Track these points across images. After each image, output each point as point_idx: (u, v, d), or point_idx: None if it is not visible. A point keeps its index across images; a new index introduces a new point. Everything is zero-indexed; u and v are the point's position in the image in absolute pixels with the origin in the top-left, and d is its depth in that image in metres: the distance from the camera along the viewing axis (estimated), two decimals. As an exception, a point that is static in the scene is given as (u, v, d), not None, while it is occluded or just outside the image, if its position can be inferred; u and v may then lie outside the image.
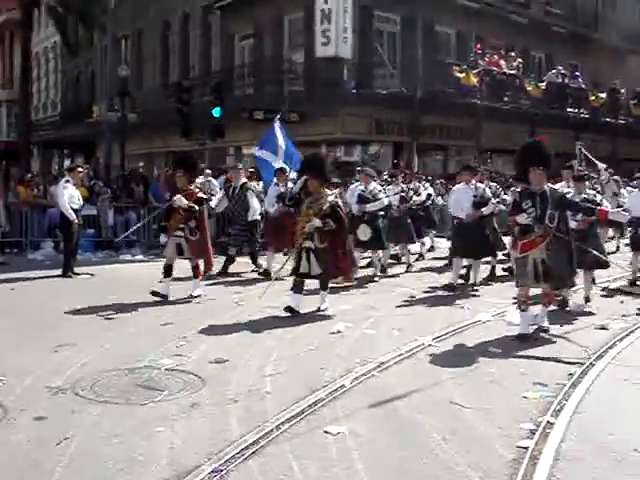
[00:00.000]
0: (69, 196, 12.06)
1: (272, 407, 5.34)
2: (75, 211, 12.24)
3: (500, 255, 12.54)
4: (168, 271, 9.96)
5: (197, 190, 10.31)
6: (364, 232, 11.48)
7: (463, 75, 22.27)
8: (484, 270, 11.87)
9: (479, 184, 11.36)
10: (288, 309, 8.73)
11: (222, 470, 4.18)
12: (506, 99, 24.92)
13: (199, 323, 8.17)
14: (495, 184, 13.04)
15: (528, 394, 5.81)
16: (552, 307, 8.64)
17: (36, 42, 37.50)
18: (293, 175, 12.38)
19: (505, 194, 12.80)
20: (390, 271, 12.78)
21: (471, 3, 26.55)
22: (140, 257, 15.20)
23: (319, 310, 8.99)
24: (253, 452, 4.48)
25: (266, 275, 11.78)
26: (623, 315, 9.20)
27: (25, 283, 11.46)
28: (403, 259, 13.57)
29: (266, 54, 26.27)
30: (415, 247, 14.51)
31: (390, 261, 13.35)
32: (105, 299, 9.66)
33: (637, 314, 9.25)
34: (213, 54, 29.12)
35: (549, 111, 26.28)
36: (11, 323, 8.15)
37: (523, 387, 6.01)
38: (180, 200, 9.82)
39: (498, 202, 12.02)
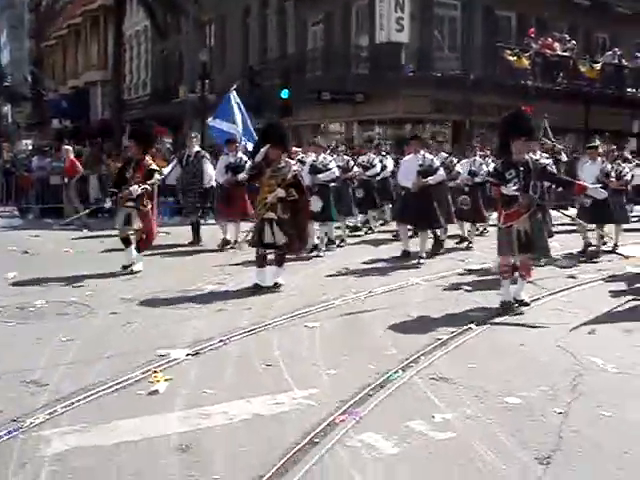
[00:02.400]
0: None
1: (275, 312, 7.58)
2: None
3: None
4: (126, 241, 10.19)
5: (149, 161, 10.16)
6: (315, 204, 11.02)
7: (514, 58, 23.78)
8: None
9: (427, 154, 11.49)
10: (255, 286, 8.74)
11: (226, 340, 6.42)
12: (559, 80, 26.27)
13: (242, 265, 10.39)
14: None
15: (467, 310, 7.84)
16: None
17: (128, 26, 40.16)
18: (249, 146, 13.49)
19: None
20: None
21: (531, -14, 27.92)
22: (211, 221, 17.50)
23: (275, 285, 8.87)
24: (251, 334, 6.73)
25: (226, 244, 12.47)
26: (598, 270, 10.94)
27: (111, 238, 13.95)
28: (339, 232, 13.41)
29: (335, 39, 28.29)
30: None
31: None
32: (173, 249, 12.09)
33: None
34: (288, 38, 31.24)
35: (604, 91, 27.55)
36: (101, 262, 10.61)
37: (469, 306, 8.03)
38: (135, 190, 9.78)
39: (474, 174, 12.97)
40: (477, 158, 13.43)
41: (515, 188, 7.79)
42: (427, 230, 11.54)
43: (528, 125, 8.19)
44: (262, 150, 8.83)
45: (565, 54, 26.42)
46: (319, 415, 4.72)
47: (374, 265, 11.02)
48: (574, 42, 27.11)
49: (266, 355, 6.03)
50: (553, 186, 10.82)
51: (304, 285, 9.27)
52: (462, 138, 26.09)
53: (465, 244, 13.18)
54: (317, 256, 11.59)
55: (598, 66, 26.95)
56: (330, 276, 9.98)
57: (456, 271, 10.52)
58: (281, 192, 8.60)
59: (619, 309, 8.20)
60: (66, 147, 18.52)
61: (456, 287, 9.34)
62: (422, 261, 11.12)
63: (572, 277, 10.19)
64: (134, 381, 5.33)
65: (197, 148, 13.50)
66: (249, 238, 9.33)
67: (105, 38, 44.02)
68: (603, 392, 5.34)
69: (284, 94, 23.27)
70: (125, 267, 9.90)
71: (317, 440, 4.34)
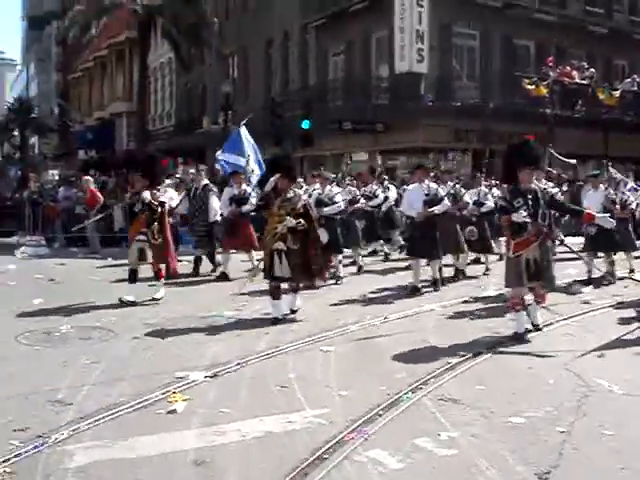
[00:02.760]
0: (168, 197, 14.64)
1: (291, 337, 7.84)
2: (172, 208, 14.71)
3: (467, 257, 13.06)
4: (133, 276, 10.23)
5: (157, 194, 10.29)
6: (322, 236, 10.21)
7: (532, 87, 24.04)
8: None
9: (432, 184, 11.53)
10: (275, 321, 8.69)
11: (243, 363, 6.68)
12: (578, 108, 26.53)
13: (258, 293, 10.62)
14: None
15: (481, 337, 8.02)
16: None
17: (153, 59, 41.03)
18: (253, 179, 13.48)
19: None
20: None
21: (549, 17, 28.24)
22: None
23: (292, 312, 9.01)
24: (267, 357, 6.99)
25: (224, 277, 12.39)
26: (613, 295, 11.05)
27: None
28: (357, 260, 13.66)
29: (355, 69, 28.73)
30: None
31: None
32: (194, 277, 12.43)
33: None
34: (310, 69, 31.73)
35: (624, 118, 27.74)
36: (124, 290, 10.61)
37: (482, 333, 8.21)
38: (146, 198, 9.94)
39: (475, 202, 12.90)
40: (482, 188, 13.47)
41: (525, 214, 7.78)
42: (435, 259, 11.44)
43: (534, 154, 8.24)
44: (271, 180, 8.81)
45: (583, 82, 26.64)
46: (329, 433, 4.94)
47: (390, 292, 11.22)
48: (592, 70, 27.35)
49: (281, 377, 6.28)
50: (557, 215, 10.92)
51: (320, 312, 9.49)
52: (482, 166, 26.37)
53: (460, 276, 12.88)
54: (335, 283, 11.81)
55: (617, 93, 27.12)
56: (346, 303, 10.20)
57: (471, 297, 10.68)
58: (291, 221, 8.57)
59: (629, 334, 8.29)
60: (86, 177, 18.99)
61: (470, 313, 9.52)
62: (437, 287, 11.31)
63: (587, 302, 10.32)
64: (154, 401, 5.60)
65: (205, 181, 13.56)
66: (261, 267, 9.22)
67: (130, 70, 44.87)
68: (607, 412, 5.51)
69: (305, 124, 23.70)
70: (121, 301, 9.80)
71: (326, 456, 4.56)
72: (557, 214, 10.46)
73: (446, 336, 8.07)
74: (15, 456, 4.48)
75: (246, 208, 12.50)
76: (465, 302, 10.32)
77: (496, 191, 13.93)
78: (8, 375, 6.35)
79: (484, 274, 13.12)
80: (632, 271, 12.78)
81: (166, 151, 40.66)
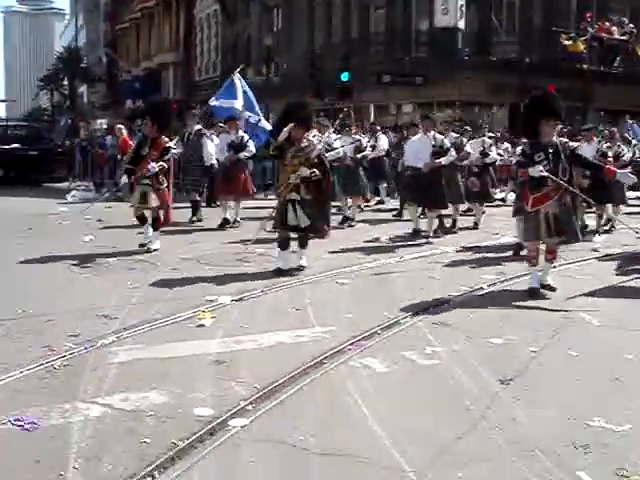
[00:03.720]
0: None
1: (311, 271, 8.72)
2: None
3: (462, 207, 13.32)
4: (141, 219, 10.38)
5: (165, 139, 10.20)
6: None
7: (570, 42, 24.31)
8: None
9: (437, 135, 11.64)
10: (277, 271, 8.54)
11: (267, 291, 7.63)
12: (616, 63, 26.72)
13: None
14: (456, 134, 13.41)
15: (485, 275, 8.80)
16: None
17: (199, 10, 41.88)
18: (252, 119, 13.71)
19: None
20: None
21: (591, -30, 28.26)
22: (272, 196, 18.53)
23: (299, 268, 8.74)
24: (289, 287, 7.93)
25: (226, 223, 12.55)
26: (623, 244, 11.62)
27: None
28: (348, 212, 13.42)
29: (396, 23, 29.17)
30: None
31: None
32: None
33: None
34: (352, 22, 32.19)
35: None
36: (165, 229, 11.32)
37: (488, 274, 8.99)
38: (153, 168, 9.84)
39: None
40: (486, 139, 13.77)
41: (541, 169, 7.54)
42: (433, 210, 11.67)
43: (559, 106, 7.82)
44: (285, 129, 8.41)
45: (623, 38, 26.77)
46: (331, 344, 5.83)
47: (406, 236, 11.96)
48: (632, 25, 27.41)
49: (298, 302, 7.21)
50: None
51: (339, 254, 10.24)
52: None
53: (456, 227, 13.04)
54: (350, 226, 12.76)
55: (656, 49, 27.24)
56: (362, 247, 10.88)
57: (486, 243, 11.41)
58: (305, 171, 8.32)
59: (626, 282, 8.82)
60: (119, 126, 19.83)
61: (483, 257, 10.27)
62: (431, 240, 11.36)
63: (595, 250, 10.95)
64: (186, 318, 6.55)
65: (198, 126, 13.43)
66: (272, 219, 9.04)
67: (177, 21, 45.68)
68: (579, 339, 6.28)
69: (344, 77, 24.35)
70: (142, 245, 9.99)
71: (325, 362, 5.45)
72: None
73: (454, 275, 8.90)
74: (69, 354, 5.46)
75: (243, 154, 12.72)
76: (479, 247, 11.05)
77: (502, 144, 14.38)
78: (63, 296, 7.39)
79: (474, 227, 13.23)
80: (612, 226, 13.10)
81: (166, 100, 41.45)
